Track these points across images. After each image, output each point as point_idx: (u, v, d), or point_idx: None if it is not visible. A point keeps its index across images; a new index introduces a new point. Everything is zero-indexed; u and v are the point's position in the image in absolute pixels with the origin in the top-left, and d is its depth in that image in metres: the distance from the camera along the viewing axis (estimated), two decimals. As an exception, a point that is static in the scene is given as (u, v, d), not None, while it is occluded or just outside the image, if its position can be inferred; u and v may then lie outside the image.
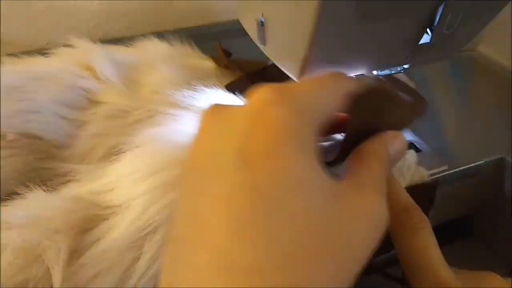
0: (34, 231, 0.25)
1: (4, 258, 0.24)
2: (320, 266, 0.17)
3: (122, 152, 0.31)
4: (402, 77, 0.48)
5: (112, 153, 0.33)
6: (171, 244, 0.19)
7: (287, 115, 0.19)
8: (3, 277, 0.23)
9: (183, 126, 0.32)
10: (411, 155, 0.32)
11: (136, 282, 0.25)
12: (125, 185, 0.28)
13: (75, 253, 0.25)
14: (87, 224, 0.27)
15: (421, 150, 0.36)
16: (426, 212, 0.28)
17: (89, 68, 0.38)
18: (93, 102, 0.37)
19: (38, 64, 0.39)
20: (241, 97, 0.35)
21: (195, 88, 0.35)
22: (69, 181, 0.32)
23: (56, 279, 0.24)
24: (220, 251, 0.17)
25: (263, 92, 0.20)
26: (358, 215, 0.19)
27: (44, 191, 0.28)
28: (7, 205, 0.27)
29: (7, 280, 0.23)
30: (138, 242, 0.26)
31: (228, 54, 0.43)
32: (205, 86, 0.35)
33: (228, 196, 0.17)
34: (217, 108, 0.21)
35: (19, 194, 0.28)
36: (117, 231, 0.26)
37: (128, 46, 0.44)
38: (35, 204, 0.27)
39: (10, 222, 0.26)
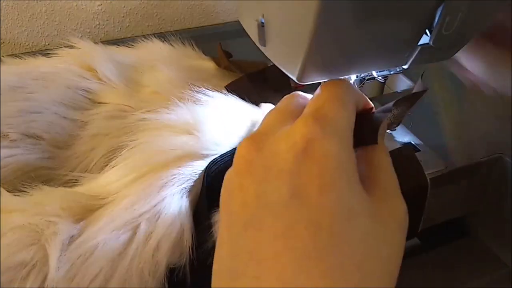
0: (34, 215, 0.26)
1: (4, 238, 0.25)
2: (383, 285, 0.18)
3: (121, 154, 0.31)
4: (402, 77, 0.48)
5: (113, 154, 0.33)
6: (224, 279, 0.20)
7: (333, 148, 0.20)
8: (2, 257, 0.24)
9: (182, 127, 0.32)
10: None
11: (131, 261, 0.26)
12: (121, 184, 0.29)
13: (72, 238, 0.26)
14: (85, 213, 0.28)
15: (419, 150, 0.36)
16: (420, 212, 0.28)
17: (90, 69, 0.38)
18: (94, 102, 0.37)
19: (39, 64, 0.39)
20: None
21: (195, 89, 0.35)
22: (69, 182, 0.32)
23: (52, 261, 0.24)
24: (289, 286, 0.17)
25: (304, 127, 0.20)
26: (394, 224, 0.20)
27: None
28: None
29: (5, 260, 0.24)
30: (133, 223, 0.27)
31: (228, 55, 0.43)
32: (205, 87, 0.35)
33: (286, 233, 0.18)
34: (255, 143, 0.22)
35: (21, 191, 0.28)
36: (113, 212, 0.27)
37: (129, 47, 0.44)
38: (36, 193, 0.28)
39: (11, 205, 0.26)
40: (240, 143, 0.23)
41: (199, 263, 0.28)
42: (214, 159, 0.31)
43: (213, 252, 0.27)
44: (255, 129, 0.27)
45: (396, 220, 0.20)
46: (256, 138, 0.22)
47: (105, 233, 0.26)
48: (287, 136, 0.21)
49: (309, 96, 0.28)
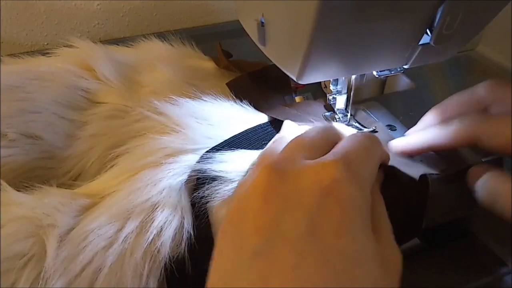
0: (35, 208, 0.26)
1: (3, 229, 0.25)
2: None
3: (119, 154, 0.32)
4: (403, 77, 0.48)
5: (110, 153, 0.33)
6: None
7: (355, 193, 0.21)
8: (1, 246, 0.24)
9: (171, 127, 0.32)
10: None
11: (125, 248, 0.26)
12: (118, 181, 0.29)
13: (70, 230, 0.26)
14: (83, 210, 0.28)
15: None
16: (422, 210, 0.28)
17: (89, 69, 0.38)
18: (93, 102, 0.37)
19: (38, 64, 0.39)
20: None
21: (194, 89, 0.35)
22: (67, 182, 0.32)
23: (50, 252, 0.25)
24: None
25: (333, 168, 0.21)
26: (394, 270, 0.21)
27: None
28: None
29: (3, 250, 0.24)
30: (128, 213, 0.27)
31: (228, 55, 0.43)
32: (205, 87, 0.35)
33: (297, 268, 0.18)
34: (279, 171, 0.22)
35: (20, 191, 0.28)
36: (110, 203, 0.28)
37: (128, 47, 0.44)
38: (37, 191, 0.28)
39: (11, 198, 0.27)
40: (262, 164, 0.23)
41: (199, 251, 0.28)
42: (205, 151, 0.31)
43: (211, 241, 0.27)
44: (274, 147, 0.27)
45: (396, 266, 0.21)
46: (280, 166, 0.22)
47: (100, 221, 0.26)
48: (314, 172, 0.22)
49: (341, 133, 0.28)
